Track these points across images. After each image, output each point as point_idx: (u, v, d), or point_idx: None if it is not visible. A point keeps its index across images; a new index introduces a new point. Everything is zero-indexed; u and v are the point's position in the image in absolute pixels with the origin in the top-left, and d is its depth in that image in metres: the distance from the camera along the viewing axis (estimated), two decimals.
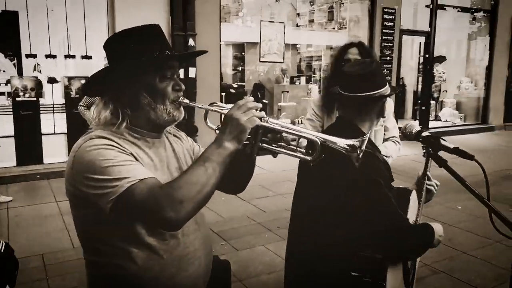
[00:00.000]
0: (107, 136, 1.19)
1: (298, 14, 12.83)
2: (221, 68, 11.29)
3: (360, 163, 1.17)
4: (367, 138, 1.18)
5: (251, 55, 12.14)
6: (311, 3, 11.81)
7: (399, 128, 1.76)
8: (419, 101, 10.70)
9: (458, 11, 11.05)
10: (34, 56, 8.19)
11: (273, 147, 1.25)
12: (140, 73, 1.24)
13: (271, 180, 6.03)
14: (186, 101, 1.32)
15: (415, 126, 1.66)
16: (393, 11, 9.38)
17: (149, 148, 1.29)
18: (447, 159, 1.60)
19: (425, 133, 1.59)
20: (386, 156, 2.26)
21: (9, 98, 7.74)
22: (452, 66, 12.40)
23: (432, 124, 10.93)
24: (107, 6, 6.77)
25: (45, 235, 4.38)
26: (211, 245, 1.44)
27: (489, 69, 11.47)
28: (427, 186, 1.89)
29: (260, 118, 1.17)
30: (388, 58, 9.48)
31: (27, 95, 6.51)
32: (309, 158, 1.21)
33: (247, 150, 1.23)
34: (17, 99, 6.48)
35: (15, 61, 8.85)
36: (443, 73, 11.88)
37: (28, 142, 6.52)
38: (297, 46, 12.78)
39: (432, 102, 11.37)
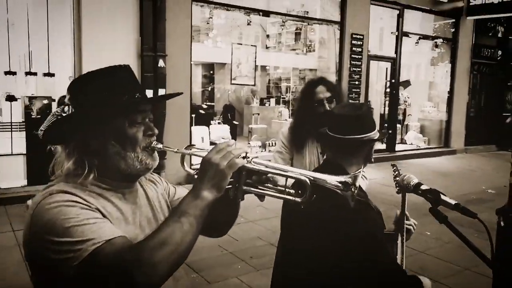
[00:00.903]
0: (70, 190, 1.07)
1: (268, 36, 12.97)
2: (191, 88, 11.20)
3: (357, 216, 1.08)
4: (360, 173, 1.11)
5: (220, 75, 12.13)
6: (281, 26, 11.96)
7: (396, 179, 1.70)
8: (385, 124, 10.93)
9: (420, 38, 11.48)
10: None
11: (258, 190, 1.15)
12: (108, 119, 1.13)
13: (242, 205, 5.96)
14: (160, 146, 1.20)
15: (413, 178, 1.60)
16: (361, 37, 9.61)
17: (120, 199, 1.17)
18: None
19: (424, 187, 1.53)
20: None
21: None
22: (416, 90, 12.83)
23: (398, 147, 11.18)
24: (73, 22, 6.54)
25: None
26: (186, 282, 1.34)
27: (450, 94, 11.93)
28: (407, 226, 1.87)
29: (244, 159, 1.08)
30: (356, 82, 9.67)
31: None
32: (299, 199, 1.11)
33: (230, 195, 1.13)
34: None
35: None
36: (408, 97, 12.24)
37: None
38: (267, 67, 12.87)
39: (398, 125, 11.67)
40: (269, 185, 1.15)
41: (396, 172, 1.80)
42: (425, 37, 11.71)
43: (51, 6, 8.19)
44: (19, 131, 6.83)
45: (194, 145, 1.26)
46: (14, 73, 7.33)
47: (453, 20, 11.61)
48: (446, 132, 12.07)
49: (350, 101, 8.79)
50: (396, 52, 10.66)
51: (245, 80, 8.35)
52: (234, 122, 10.59)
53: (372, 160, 1.72)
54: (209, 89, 13.00)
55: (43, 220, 1.00)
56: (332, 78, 9.93)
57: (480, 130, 12.28)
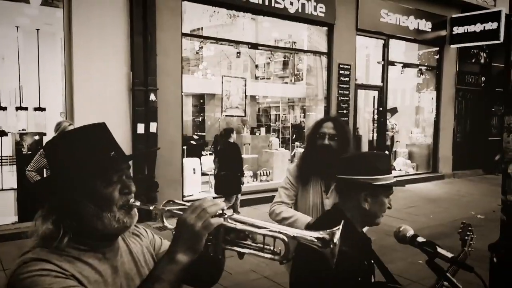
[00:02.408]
0: (44, 257, 1.06)
1: (257, 66, 13.18)
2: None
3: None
4: (340, 229, 1.02)
5: (211, 106, 12.22)
6: (269, 57, 12.21)
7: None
8: (374, 151, 11.06)
9: (406, 66, 11.78)
10: None
11: (237, 247, 1.12)
12: (82, 181, 1.12)
13: None
14: (137, 203, 1.18)
15: (409, 230, 1.61)
16: (348, 66, 9.83)
17: (99, 260, 1.16)
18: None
19: (420, 239, 1.54)
20: None
21: None
22: (403, 117, 13.05)
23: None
24: (64, 56, 6.57)
25: None
26: None
27: (437, 119, 12.14)
28: None
29: (220, 217, 1.06)
30: (345, 111, 9.82)
31: None
32: (277, 257, 1.08)
33: (209, 252, 1.10)
34: None
35: None
36: (396, 124, 12.45)
37: None
38: (256, 97, 13.03)
39: (386, 152, 11.80)
40: (248, 242, 1.12)
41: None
42: (410, 65, 12.02)
43: (42, 40, 8.29)
44: (10, 164, 6.77)
45: (172, 201, 1.22)
46: (4, 108, 7.33)
47: (437, 48, 11.95)
48: (434, 157, 12.22)
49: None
50: (382, 81, 10.90)
51: (236, 111, 8.44)
52: None
53: (381, 217, 1.62)
54: (200, 119, 13.07)
55: None
56: (321, 105, 10.09)
57: (467, 155, 12.45)
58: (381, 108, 11.06)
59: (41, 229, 1.11)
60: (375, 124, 11.40)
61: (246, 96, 8.69)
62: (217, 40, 8.98)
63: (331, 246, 1.00)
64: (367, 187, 1.57)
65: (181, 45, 7.48)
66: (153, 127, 6.85)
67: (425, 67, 12.23)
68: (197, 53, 10.82)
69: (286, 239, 1.04)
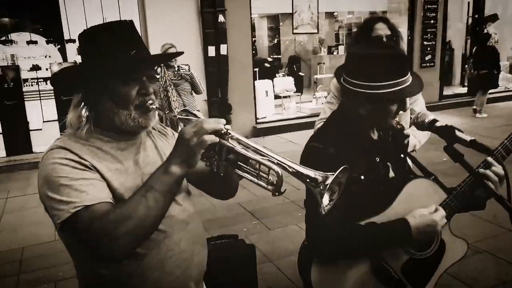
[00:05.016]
0: (67, 146, 1.13)
1: None
2: (255, 42, 11.12)
3: None
4: (333, 176, 0.99)
5: (286, 27, 11.82)
6: None
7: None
8: (467, 66, 10.02)
9: None
10: (74, 41, 8.39)
11: (236, 169, 1.12)
12: (102, 76, 1.15)
13: (298, 152, 5.94)
14: (154, 106, 1.19)
15: (428, 115, 1.47)
16: None
17: (121, 151, 1.21)
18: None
19: (439, 123, 1.40)
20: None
21: None
22: (505, 25, 11.45)
23: None
24: None
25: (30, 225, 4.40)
26: (203, 241, 1.36)
27: None
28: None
29: (221, 135, 1.05)
30: (432, 21, 8.88)
31: None
32: (270, 188, 1.07)
33: (213, 167, 1.12)
34: None
35: (59, 46, 9.13)
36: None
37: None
38: (334, 14, 12.27)
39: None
40: (247, 166, 1.12)
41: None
42: None
43: None
44: None
45: (187, 110, 1.22)
46: (73, 41, 7.77)
47: None
48: None
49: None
50: None
51: (307, 28, 8.06)
52: (300, 73, 10.36)
53: (391, 121, 1.44)
54: (275, 41, 12.79)
55: (42, 174, 1.10)
56: (404, 18, 9.22)
57: None
58: (477, 16, 9.79)
59: (69, 118, 1.21)
60: (470, 35, 10.20)
61: (318, 12, 8.22)
62: None
63: (321, 187, 1.00)
64: (362, 94, 1.39)
65: None
66: (223, 49, 6.89)
67: None
68: None
69: (279, 171, 1.03)
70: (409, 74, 1.40)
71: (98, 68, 1.15)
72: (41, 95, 8.93)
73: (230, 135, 1.07)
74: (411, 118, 2.43)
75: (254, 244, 2.70)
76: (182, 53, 1.36)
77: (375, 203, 1.46)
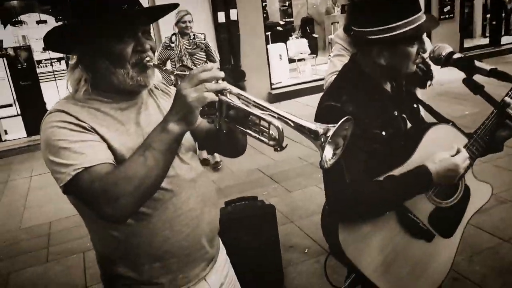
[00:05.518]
0: (65, 109, 1.09)
1: None
2: (267, 6, 10.84)
3: None
4: (334, 128, 0.94)
5: None
6: None
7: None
8: (487, 15, 9.58)
9: None
10: None
11: (238, 125, 1.07)
12: (96, 33, 1.08)
13: None
14: (151, 63, 1.13)
15: (445, 48, 1.37)
16: None
17: (122, 111, 1.17)
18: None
19: (456, 55, 1.31)
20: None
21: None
22: None
23: (504, 39, 9.81)
24: None
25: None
26: (214, 200, 1.33)
27: None
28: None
29: (219, 92, 0.99)
30: None
31: None
32: (271, 143, 1.02)
33: (215, 125, 1.07)
34: None
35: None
36: None
37: None
38: None
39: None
40: (248, 121, 1.07)
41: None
42: None
43: None
44: None
45: (185, 65, 1.16)
46: None
47: None
48: None
49: None
50: None
51: None
52: (314, 35, 10.10)
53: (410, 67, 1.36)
54: (286, 4, 12.46)
55: (43, 138, 1.08)
56: None
57: None
58: None
59: (67, 81, 1.17)
60: None
61: None
62: None
63: (322, 140, 0.95)
64: (378, 40, 1.32)
65: None
66: (233, 14, 6.74)
67: None
68: None
69: (280, 126, 0.97)
70: (422, 10, 1.32)
71: (89, 26, 1.09)
72: (55, 75, 9.01)
73: (229, 90, 1.01)
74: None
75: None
76: (177, 5, 1.27)
77: (397, 157, 1.42)
